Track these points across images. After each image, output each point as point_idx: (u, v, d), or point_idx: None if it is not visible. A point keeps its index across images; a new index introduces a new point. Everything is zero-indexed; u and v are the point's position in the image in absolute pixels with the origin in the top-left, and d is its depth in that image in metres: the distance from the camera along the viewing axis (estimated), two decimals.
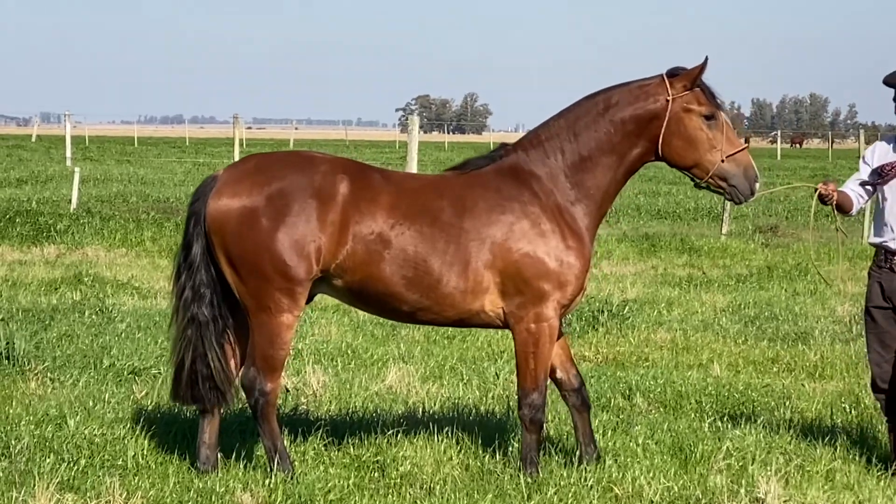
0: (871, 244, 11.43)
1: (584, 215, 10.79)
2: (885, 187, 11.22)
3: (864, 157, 11.50)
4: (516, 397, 11.00)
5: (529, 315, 10.62)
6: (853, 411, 13.41)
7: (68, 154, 58.95)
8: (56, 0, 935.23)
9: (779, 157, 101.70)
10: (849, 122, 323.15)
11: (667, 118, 10.67)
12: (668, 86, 10.69)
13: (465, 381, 14.54)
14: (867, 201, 11.46)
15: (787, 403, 13.76)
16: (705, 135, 10.68)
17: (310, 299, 10.72)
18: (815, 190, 11.24)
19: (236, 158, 36.28)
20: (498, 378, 14.68)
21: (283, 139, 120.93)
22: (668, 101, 10.67)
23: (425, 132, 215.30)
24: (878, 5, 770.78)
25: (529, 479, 10.62)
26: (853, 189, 11.36)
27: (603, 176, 10.83)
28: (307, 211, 10.34)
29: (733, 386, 14.61)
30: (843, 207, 11.32)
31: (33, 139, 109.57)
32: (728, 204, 34.01)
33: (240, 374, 10.78)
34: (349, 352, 16.11)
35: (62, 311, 18.54)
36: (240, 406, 11.70)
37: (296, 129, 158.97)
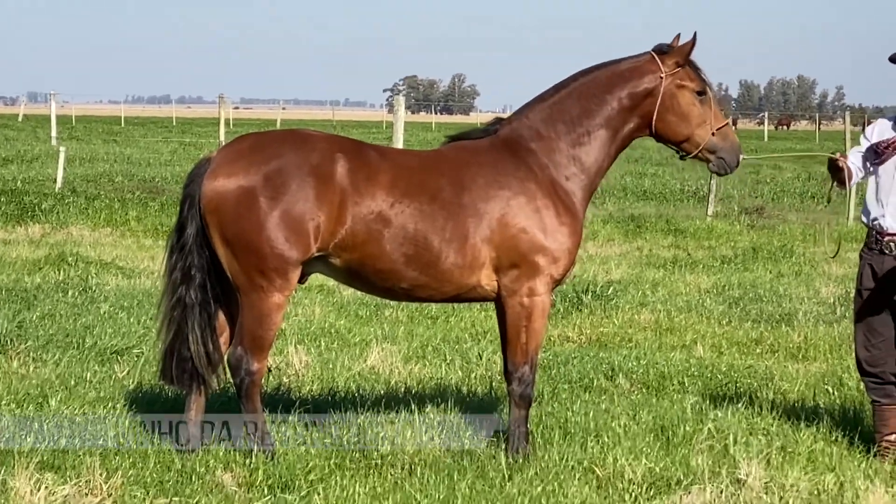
0: (864, 223, 11.46)
1: (578, 189, 10.91)
2: (880, 165, 11.24)
3: (864, 133, 11.56)
4: (505, 372, 10.98)
5: (523, 289, 10.68)
6: (836, 393, 13.38)
7: (53, 133, 58.84)
8: None
9: (766, 139, 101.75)
10: (836, 104, 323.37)
11: (661, 94, 10.88)
12: (660, 63, 10.89)
13: (447, 361, 14.52)
14: (864, 177, 11.46)
15: (770, 385, 13.76)
16: (697, 110, 10.94)
17: (303, 279, 10.71)
18: (833, 159, 11.39)
19: (222, 138, 36.26)
20: (481, 358, 14.66)
21: (271, 119, 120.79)
22: (661, 77, 10.89)
23: (413, 112, 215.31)
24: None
25: (511, 459, 10.62)
26: (853, 162, 11.38)
27: (599, 150, 10.98)
28: (305, 189, 10.30)
29: (716, 367, 14.60)
30: (848, 174, 11.38)
31: (20, 119, 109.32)
32: (714, 185, 34.13)
33: (227, 353, 10.77)
34: (332, 332, 16.08)
35: (45, 290, 18.46)
36: (222, 385, 11.70)
37: (283, 109, 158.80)
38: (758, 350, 16.03)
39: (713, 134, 10.93)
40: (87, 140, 70.38)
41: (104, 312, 16.76)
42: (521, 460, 10.63)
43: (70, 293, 18.23)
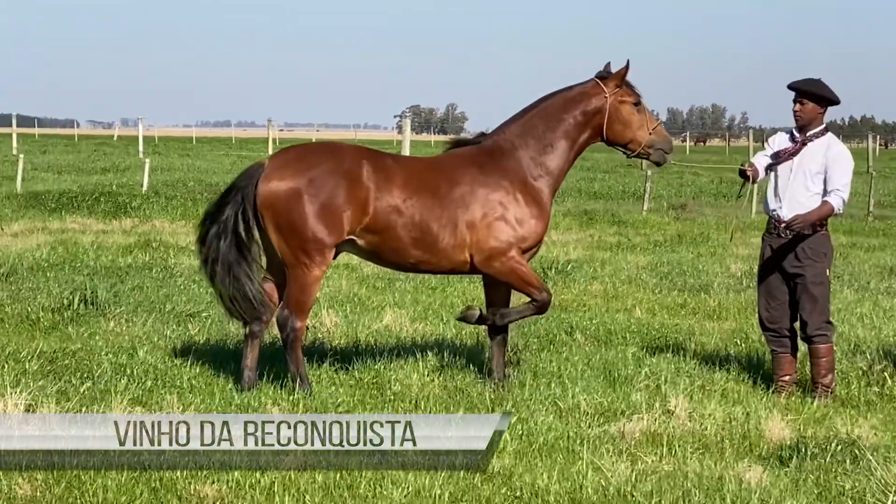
0: (765, 212, 11.44)
1: (544, 187, 10.94)
2: (778, 168, 11.23)
3: (768, 142, 11.59)
4: (531, 304, 11.01)
5: (498, 259, 10.72)
6: (743, 345, 13.35)
7: (140, 149, 58.77)
8: (133, 36, 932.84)
9: (687, 152, 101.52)
10: (741, 125, 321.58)
11: (607, 110, 10.93)
12: (603, 86, 10.92)
13: (444, 321, 14.44)
14: (767, 175, 11.43)
15: (692, 338, 13.69)
16: (636, 117, 11.00)
17: (335, 256, 10.71)
18: (742, 167, 11.39)
19: (269, 152, 36.12)
20: None
21: (308, 138, 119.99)
22: (606, 97, 10.93)
23: (416, 133, 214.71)
24: (766, 38, 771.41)
25: (493, 396, 10.60)
26: (759, 163, 11.37)
27: (560, 157, 11.00)
28: (339, 189, 10.34)
29: (651, 325, 14.54)
30: (754, 177, 11.35)
31: (115, 139, 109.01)
32: (649, 185, 34.11)
33: (276, 314, 10.73)
34: (355, 299, 16.01)
35: (135, 268, 18.39)
36: (270, 340, 11.66)
37: (317, 130, 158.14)
38: (682, 312, 15.94)
39: (650, 133, 10.99)
40: (167, 154, 70.12)
41: (179, 285, 16.70)
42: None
43: (154, 270, 18.17)
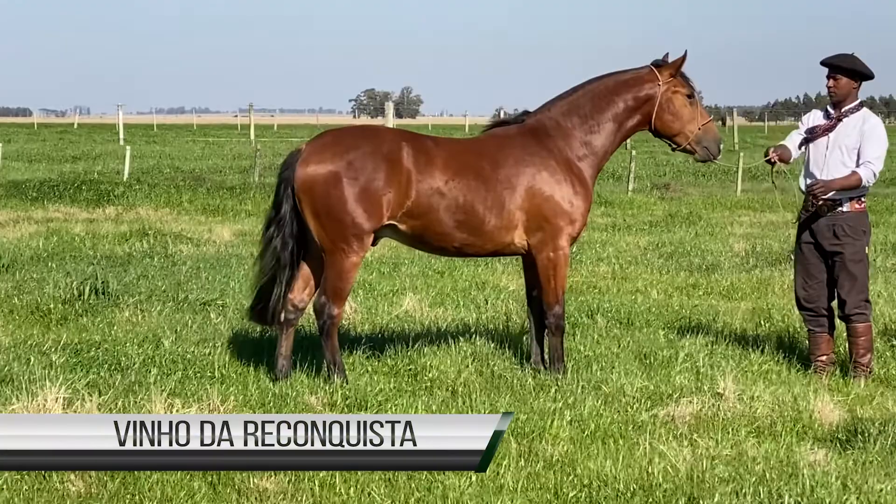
0: (801, 189, 11.29)
1: (588, 167, 10.78)
2: (811, 145, 11.09)
3: (802, 120, 11.44)
4: (541, 311, 10.87)
5: (549, 246, 10.56)
6: (767, 324, 13.23)
7: (121, 136, 58.27)
8: (80, 24, 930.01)
9: None
10: None
11: (659, 99, 10.76)
12: (657, 74, 10.78)
13: (462, 306, 14.26)
14: (801, 153, 11.28)
15: (716, 319, 13.56)
16: (688, 110, 10.82)
17: (375, 242, 10.52)
18: (766, 156, 11.19)
19: (252, 138, 35.91)
20: (487, 303, 14.40)
21: (268, 124, 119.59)
22: (659, 85, 10.77)
23: (372, 117, 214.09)
24: (725, 17, 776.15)
25: (534, 381, 10.43)
26: (792, 143, 11.22)
27: (606, 138, 10.83)
28: (379, 172, 10.11)
29: (670, 306, 14.39)
30: (785, 158, 11.18)
31: (75, 126, 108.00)
32: (633, 166, 34.02)
33: (312, 301, 10.55)
34: (366, 285, 15.79)
35: (136, 257, 18.13)
36: (300, 328, 11.43)
37: (272, 116, 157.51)
38: (698, 293, 15.79)
39: (699, 128, 10.81)
40: (133, 142, 69.20)
41: (186, 272, 16.41)
42: (560, 377, 10.48)
43: (155, 259, 17.90)
